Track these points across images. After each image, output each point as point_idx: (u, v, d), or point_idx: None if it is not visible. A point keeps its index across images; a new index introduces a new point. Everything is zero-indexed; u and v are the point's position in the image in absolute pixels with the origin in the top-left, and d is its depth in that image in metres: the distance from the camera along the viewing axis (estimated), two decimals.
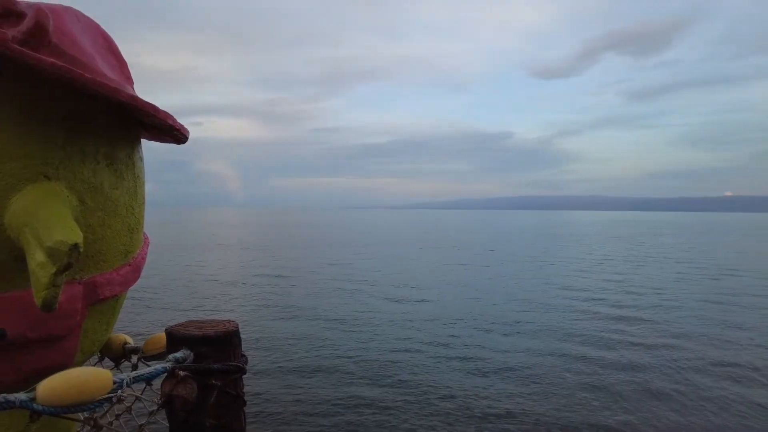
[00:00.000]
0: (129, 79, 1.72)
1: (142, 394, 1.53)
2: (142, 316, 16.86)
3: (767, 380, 11.87)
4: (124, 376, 1.27)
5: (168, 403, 1.46)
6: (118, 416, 1.82)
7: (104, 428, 1.49)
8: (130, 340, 2.04)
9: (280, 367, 12.03)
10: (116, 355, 2.02)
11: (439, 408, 9.66)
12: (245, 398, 1.78)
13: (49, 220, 1.23)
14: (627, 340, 15.30)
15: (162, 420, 1.57)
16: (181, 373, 1.46)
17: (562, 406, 10.10)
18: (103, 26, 1.63)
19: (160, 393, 1.47)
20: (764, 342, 15.73)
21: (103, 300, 1.59)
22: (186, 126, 1.77)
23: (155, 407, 1.50)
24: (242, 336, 1.84)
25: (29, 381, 1.22)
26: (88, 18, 1.58)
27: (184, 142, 1.89)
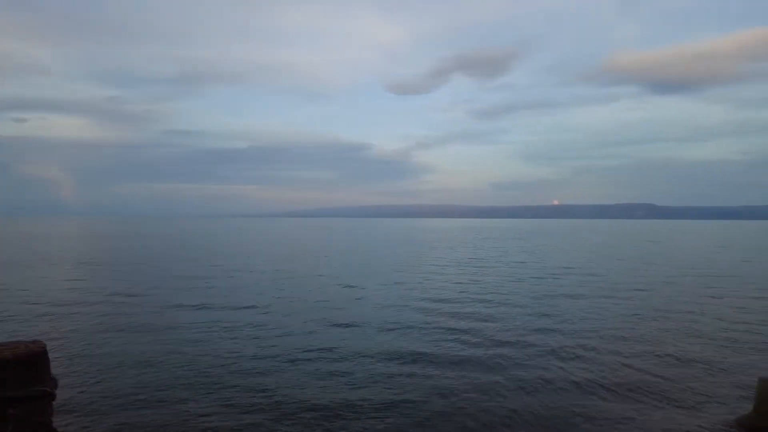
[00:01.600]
0: None
1: None
2: None
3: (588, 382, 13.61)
4: None
5: None
6: None
7: None
8: None
9: (96, 396, 10.74)
10: None
11: None
12: (54, 426, 1.30)
13: None
14: (469, 342, 15.94)
15: None
16: None
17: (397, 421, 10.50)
18: None
19: None
20: (580, 336, 17.97)
21: None
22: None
23: None
24: (58, 363, 1.35)
25: None
26: None
27: None
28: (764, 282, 32.26)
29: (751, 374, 12.71)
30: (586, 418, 10.05)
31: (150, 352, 14.55)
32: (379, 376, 12.34)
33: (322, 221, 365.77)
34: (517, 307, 21.96)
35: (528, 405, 10.62)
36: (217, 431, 9.39)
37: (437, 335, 16.68)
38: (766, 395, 9.72)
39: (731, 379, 12.70)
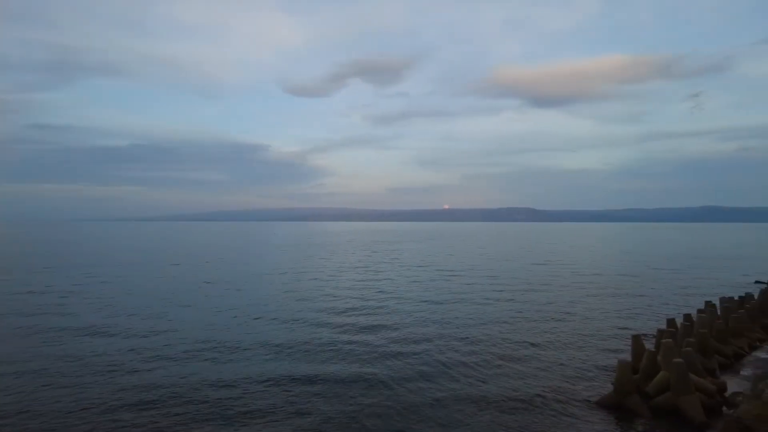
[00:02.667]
0: None
1: None
2: None
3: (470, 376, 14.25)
4: None
5: None
6: None
7: None
8: None
9: None
10: None
11: None
12: None
13: None
14: (361, 358, 15.14)
15: None
16: None
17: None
18: None
19: None
20: (466, 341, 18.85)
21: None
22: None
23: None
24: None
25: None
26: None
27: None
28: (620, 279, 36.69)
29: (612, 358, 14.45)
30: (466, 426, 10.51)
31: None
32: (266, 409, 11.11)
33: (214, 225, 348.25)
34: (408, 315, 21.95)
35: (418, 426, 10.36)
36: None
37: (328, 353, 15.74)
38: (623, 376, 11.09)
39: (597, 364, 14.31)
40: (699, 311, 16.75)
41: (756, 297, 20.44)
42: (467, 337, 17.57)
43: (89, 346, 16.12)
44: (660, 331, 13.91)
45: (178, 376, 13.09)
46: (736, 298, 19.68)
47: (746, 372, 13.53)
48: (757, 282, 33.24)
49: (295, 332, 18.31)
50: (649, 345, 13.95)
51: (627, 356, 13.67)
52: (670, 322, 15.59)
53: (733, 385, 12.17)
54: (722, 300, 18.93)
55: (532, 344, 16.62)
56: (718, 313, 17.09)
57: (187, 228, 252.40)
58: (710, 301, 18.30)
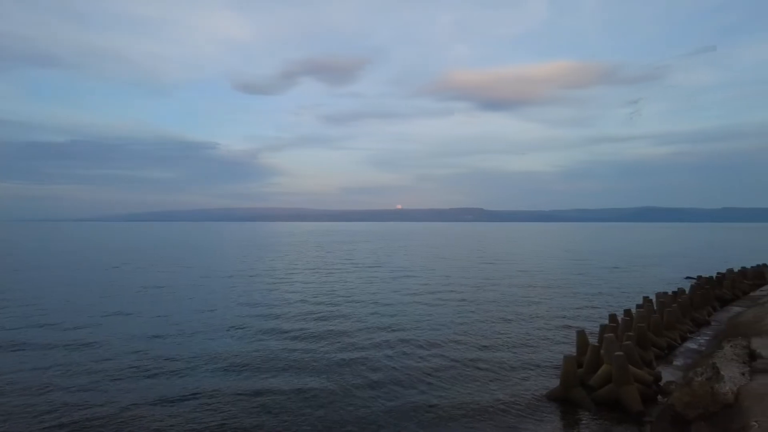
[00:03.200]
0: None
1: None
2: None
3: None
4: None
5: None
6: None
7: None
8: None
9: None
10: None
11: None
12: None
13: None
14: (308, 368, 14.45)
15: None
16: None
17: None
18: None
19: None
20: (415, 345, 19.04)
21: None
22: None
23: None
24: None
25: None
26: None
27: None
28: (566, 278, 38.22)
29: (559, 353, 15.12)
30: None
31: None
32: (209, 427, 10.41)
33: (160, 226, 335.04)
34: (359, 318, 21.61)
35: None
36: None
37: (276, 362, 15.03)
38: (568, 370, 11.68)
39: (545, 360, 14.95)
40: (638, 306, 17.77)
41: (687, 291, 21.92)
42: (418, 340, 17.62)
43: (13, 361, 14.92)
44: (603, 326, 14.67)
45: (114, 393, 12.26)
46: (670, 293, 21.02)
47: (678, 362, 14.52)
48: (687, 277, 35.56)
49: (242, 341, 17.48)
50: (594, 340, 14.69)
51: (573, 351, 14.33)
52: (612, 317, 16.47)
53: (667, 374, 13.00)
54: (658, 295, 20.16)
55: (483, 344, 17.06)
56: (655, 308, 18.21)
57: (131, 229, 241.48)
58: (648, 297, 19.43)
